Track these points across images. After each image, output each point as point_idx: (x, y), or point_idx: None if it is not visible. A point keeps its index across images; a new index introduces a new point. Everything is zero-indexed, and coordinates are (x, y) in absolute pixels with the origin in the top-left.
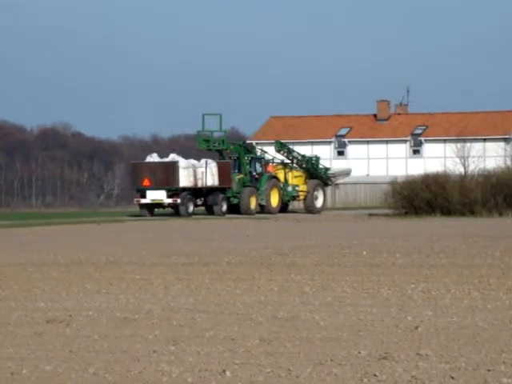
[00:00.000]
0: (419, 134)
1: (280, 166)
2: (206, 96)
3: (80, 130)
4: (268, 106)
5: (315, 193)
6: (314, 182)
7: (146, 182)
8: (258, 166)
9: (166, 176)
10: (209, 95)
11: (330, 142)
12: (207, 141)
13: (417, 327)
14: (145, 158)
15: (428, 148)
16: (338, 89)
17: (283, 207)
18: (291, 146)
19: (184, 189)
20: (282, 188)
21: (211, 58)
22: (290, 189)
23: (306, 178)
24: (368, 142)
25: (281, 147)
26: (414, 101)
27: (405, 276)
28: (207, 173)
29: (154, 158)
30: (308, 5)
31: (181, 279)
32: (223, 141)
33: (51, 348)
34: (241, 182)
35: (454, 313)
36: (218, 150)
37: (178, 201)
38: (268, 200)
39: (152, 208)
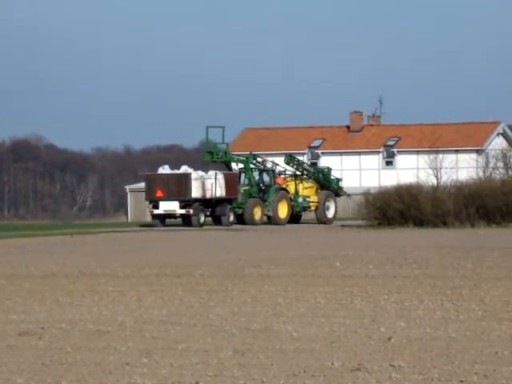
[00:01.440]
0: (392, 146)
1: (290, 178)
2: (179, 108)
3: (53, 142)
4: (242, 118)
5: (327, 203)
6: (325, 192)
7: (159, 193)
8: (266, 177)
9: (179, 187)
10: (182, 107)
11: (303, 154)
12: (211, 153)
13: (390, 338)
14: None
15: (401, 159)
16: (311, 100)
17: (296, 218)
18: (265, 157)
19: (196, 200)
20: (291, 199)
21: (185, 69)
22: (300, 200)
23: (317, 189)
24: (341, 154)
25: (290, 160)
26: (386, 112)
27: (378, 287)
28: (216, 184)
29: (166, 169)
30: (282, 18)
31: (154, 291)
32: (225, 153)
33: (23, 360)
34: (247, 193)
35: (426, 324)
36: (224, 162)
37: (191, 211)
38: (276, 211)
39: (164, 218)
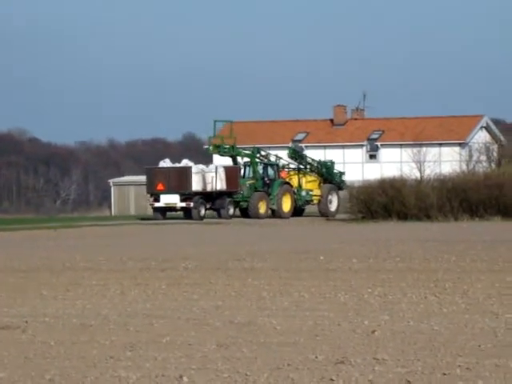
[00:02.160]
0: (375, 139)
1: (293, 172)
2: (162, 101)
3: (36, 136)
4: (226, 112)
5: (329, 197)
6: (328, 186)
7: (160, 187)
8: (270, 171)
9: (180, 181)
10: (166, 100)
11: (287, 147)
12: (218, 146)
13: (373, 331)
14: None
15: (384, 153)
16: (295, 94)
17: (299, 211)
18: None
19: (196, 193)
20: (295, 193)
21: (169, 63)
22: (303, 193)
23: (320, 183)
24: (325, 147)
25: (293, 154)
26: (370, 106)
27: (361, 280)
28: (216, 177)
29: (167, 163)
30: (267, 13)
31: (138, 284)
32: (232, 147)
33: (6, 355)
34: (252, 186)
35: (410, 317)
36: (230, 156)
37: (191, 204)
38: (279, 205)
39: (165, 211)
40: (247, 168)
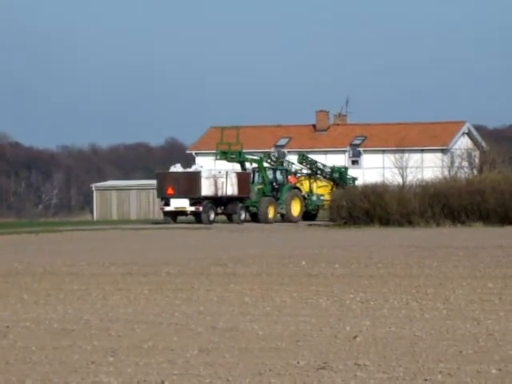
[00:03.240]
0: (358, 145)
1: (304, 177)
2: (144, 105)
3: (18, 140)
4: (208, 116)
5: None
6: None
7: (170, 191)
8: (279, 176)
9: (189, 185)
10: (148, 105)
11: (269, 153)
12: (225, 153)
13: (355, 337)
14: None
15: (367, 158)
16: (278, 99)
17: (311, 216)
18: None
19: (206, 197)
20: (305, 198)
21: (150, 66)
22: (314, 198)
23: (332, 188)
24: (307, 153)
25: (303, 159)
26: (353, 111)
27: (343, 286)
28: (227, 183)
29: (177, 168)
30: (247, 15)
31: (120, 289)
32: (240, 153)
33: None
34: (260, 191)
35: (391, 323)
36: (239, 162)
37: (200, 209)
38: (288, 209)
39: (175, 215)
40: (256, 173)
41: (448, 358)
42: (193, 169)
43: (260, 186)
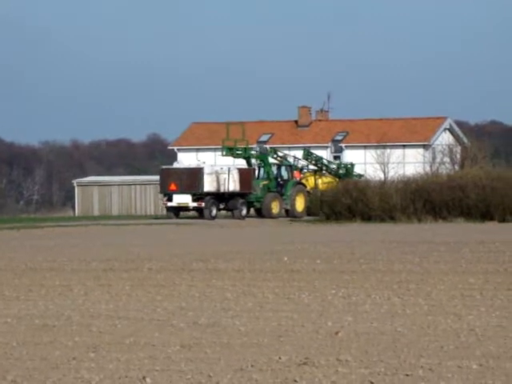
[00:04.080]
0: (340, 141)
1: (310, 173)
2: (126, 101)
3: None
4: (190, 112)
5: None
6: None
7: (173, 187)
8: (284, 172)
9: (192, 181)
10: (129, 100)
11: (251, 149)
12: (231, 149)
13: (337, 333)
14: (171, 164)
15: (348, 154)
16: (260, 95)
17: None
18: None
19: (208, 193)
20: (309, 193)
21: (132, 63)
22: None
23: (337, 184)
24: (289, 148)
25: (308, 155)
26: (334, 107)
27: (325, 282)
28: (229, 179)
29: (180, 164)
30: (231, 12)
31: (101, 285)
32: (245, 149)
33: None
34: (265, 187)
35: (373, 318)
36: (244, 158)
37: (202, 204)
38: (293, 205)
39: (178, 211)
40: (261, 169)
41: (429, 354)
42: (195, 165)
43: (265, 182)
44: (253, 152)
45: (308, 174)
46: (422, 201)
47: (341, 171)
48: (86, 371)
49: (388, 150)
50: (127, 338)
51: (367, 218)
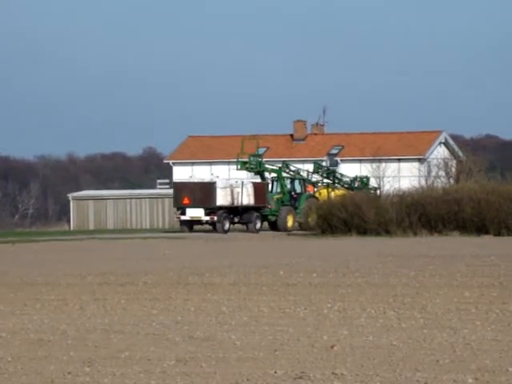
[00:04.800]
0: (335, 154)
1: (323, 186)
2: (122, 114)
3: None
4: (186, 126)
5: None
6: None
7: (186, 201)
8: (297, 185)
9: (204, 195)
10: (125, 113)
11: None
12: (245, 162)
13: (332, 346)
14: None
15: (344, 168)
16: (255, 109)
17: None
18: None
19: (221, 207)
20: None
21: (127, 76)
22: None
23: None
24: (285, 162)
25: (319, 168)
26: (330, 121)
27: (321, 295)
28: (243, 193)
29: (193, 178)
30: (224, 25)
31: (96, 299)
32: (260, 163)
33: None
34: (279, 201)
35: (369, 332)
36: (257, 172)
37: (215, 218)
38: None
39: (191, 224)
40: (275, 183)
41: (425, 367)
42: (208, 179)
43: (279, 196)
44: (267, 166)
45: (321, 188)
46: (417, 214)
47: (354, 184)
48: None
49: (383, 164)
50: (122, 352)
51: (363, 231)
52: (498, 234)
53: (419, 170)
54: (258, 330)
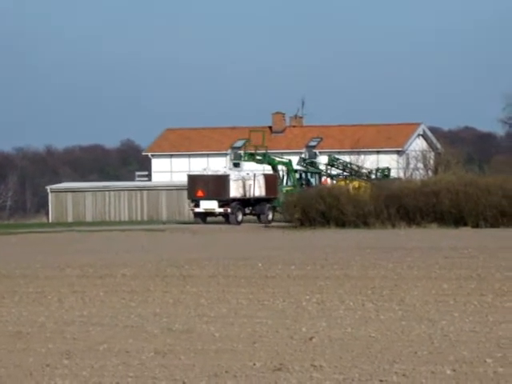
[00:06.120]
0: (314, 146)
1: (340, 179)
2: (100, 107)
3: None
4: (164, 118)
5: None
6: None
7: (200, 193)
8: (312, 178)
9: (218, 187)
10: (103, 106)
11: (225, 154)
12: (252, 154)
13: (311, 338)
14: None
15: (323, 160)
16: (234, 101)
17: None
18: (188, 158)
19: (234, 199)
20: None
21: (105, 68)
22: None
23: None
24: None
25: (334, 161)
26: (308, 113)
27: (300, 287)
28: (255, 185)
29: (207, 171)
30: (204, 17)
31: (75, 292)
32: (264, 155)
33: None
34: (289, 193)
35: (347, 324)
36: (269, 164)
37: (229, 210)
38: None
39: (205, 216)
40: (287, 175)
41: (403, 359)
42: (221, 172)
43: (289, 188)
44: (273, 157)
45: (339, 180)
46: (395, 207)
47: (374, 176)
48: (59, 378)
49: (362, 156)
50: (101, 344)
51: (341, 223)
52: (476, 225)
53: (398, 162)
54: (236, 322)
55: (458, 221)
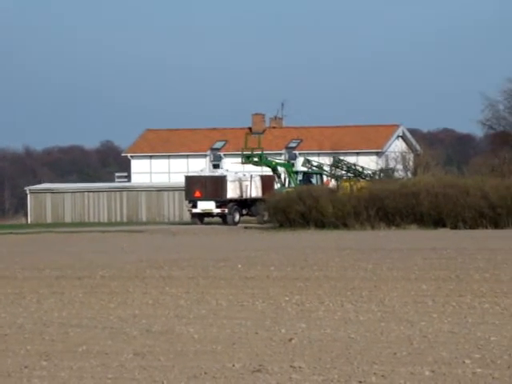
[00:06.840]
0: (294, 148)
1: (344, 180)
2: (79, 108)
3: None
4: (143, 119)
5: None
6: None
7: (197, 194)
8: (313, 180)
9: (215, 188)
10: (82, 107)
11: (205, 156)
12: (248, 157)
13: (290, 339)
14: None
15: (300, 161)
16: (213, 102)
17: None
18: (167, 159)
19: (231, 200)
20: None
21: (85, 68)
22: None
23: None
24: (244, 155)
25: (338, 162)
26: (288, 114)
27: (279, 289)
28: (251, 185)
29: (204, 172)
30: (185, 18)
31: (54, 293)
32: (260, 157)
33: None
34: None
35: (327, 325)
36: (267, 165)
37: (226, 211)
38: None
39: (202, 217)
40: (287, 177)
41: (382, 360)
42: (219, 172)
43: (290, 189)
44: (270, 159)
45: (343, 181)
46: (375, 208)
47: (377, 176)
48: (38, 379)
49: (342, 157)
50: (80, 346)
51: (321, 225)
52: (455, 227)
53: (377, 163)
54: (216, 323)
55: (437, 222)
